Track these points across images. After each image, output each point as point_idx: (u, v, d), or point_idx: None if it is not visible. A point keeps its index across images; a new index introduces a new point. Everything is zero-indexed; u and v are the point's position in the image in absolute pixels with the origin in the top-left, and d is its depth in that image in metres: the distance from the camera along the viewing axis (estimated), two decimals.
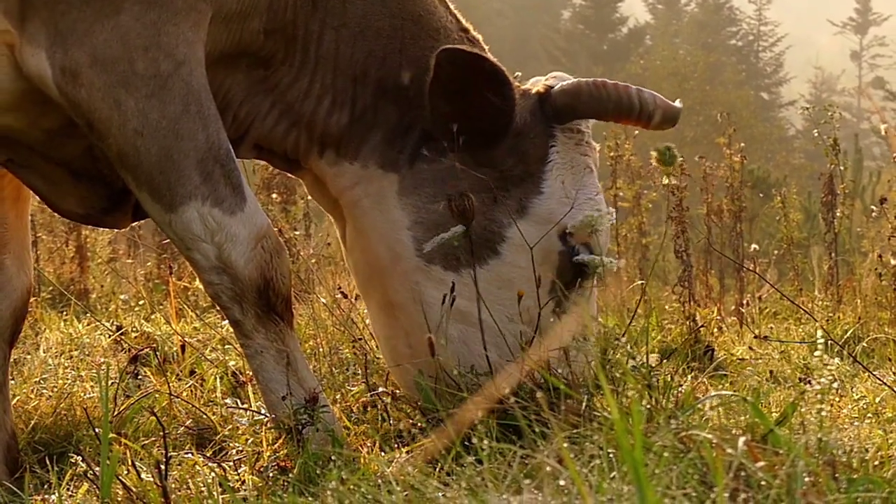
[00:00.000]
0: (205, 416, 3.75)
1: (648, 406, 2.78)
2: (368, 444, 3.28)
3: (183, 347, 4.52)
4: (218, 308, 3.70)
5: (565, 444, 2.29)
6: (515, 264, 3.32)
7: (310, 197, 8.44)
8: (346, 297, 4.53)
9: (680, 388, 3.06)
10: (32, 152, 3.31)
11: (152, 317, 6.04)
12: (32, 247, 3.85)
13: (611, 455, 2.29)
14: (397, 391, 3.55)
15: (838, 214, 7.42)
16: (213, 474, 3.05)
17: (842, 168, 7.40)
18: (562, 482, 2.13)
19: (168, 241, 7.23)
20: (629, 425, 1.88)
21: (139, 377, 4.23)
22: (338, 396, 3.66)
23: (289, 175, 3.96)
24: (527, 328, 3.27)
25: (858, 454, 2.55)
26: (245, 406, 3.65)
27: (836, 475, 2.27)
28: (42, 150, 3.29)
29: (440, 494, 2.30)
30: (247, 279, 3.08)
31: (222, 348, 4.65)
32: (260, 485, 2.98)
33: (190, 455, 3.28)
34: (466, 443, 2.61)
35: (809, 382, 3.29)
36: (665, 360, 3.75)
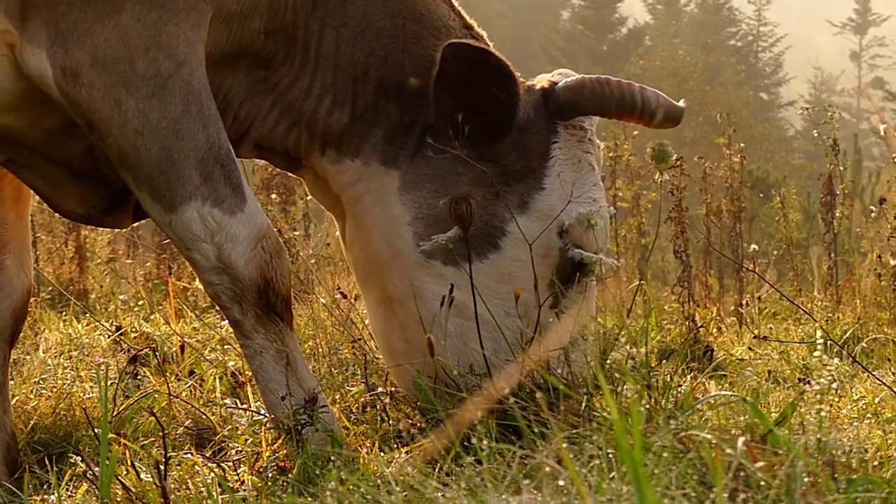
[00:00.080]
0: (204, 417, 3.75)
1: (648, 406, 2.78)
2: (368, 445, 3.28)
3: (182, 348, 4.53)
4: (217, 308, 3.70)
5: (564, 445, 2.30)
6: (515, 259, 3.32)
7: (309, 197, 8.42)
8: (345, 297, 4.53)
9: (679, 389, 3.06)
10: (33, 152, 3.31)
11: (151, 317, 6.04)
12: (31, 247, 3.84)
13: (610, 455, 2.29)
14: (396, 391, 3.55)
15: (838, 215, 7.43)
16: (212, 474, 3.05)
17: (841, 168, 7.40)
18: (561, 482, 2.13)
19: (167, 241, 7.23)
20: (628, 425, 1.89)
21: (138, 377, 4.23)
22: (337, 397, 3.66)
23: (289, 174, 3.97)
24: (524, 322, 3.28)
25: (858, 454, 2.55)
26: (244, 406, 3.65)
27: (836, 475, 2.27)
28: (42, 150, 3.30)
29: (439, 495, 2.30)
30: (247, 279, 3.08)
31: (221, 349, 4.65)
32: (259, 485, 2.98)
33: (189, 455, 3.28)
34: (466, 443, 2.62)
35: (809, 383, 3.30)
36: (664, 361, 3.76)
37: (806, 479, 2.15)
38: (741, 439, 2.20)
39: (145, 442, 3.56)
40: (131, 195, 3.23)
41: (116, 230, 7.49)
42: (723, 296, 8.55)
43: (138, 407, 3.74)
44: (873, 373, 4.18)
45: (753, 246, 8.60)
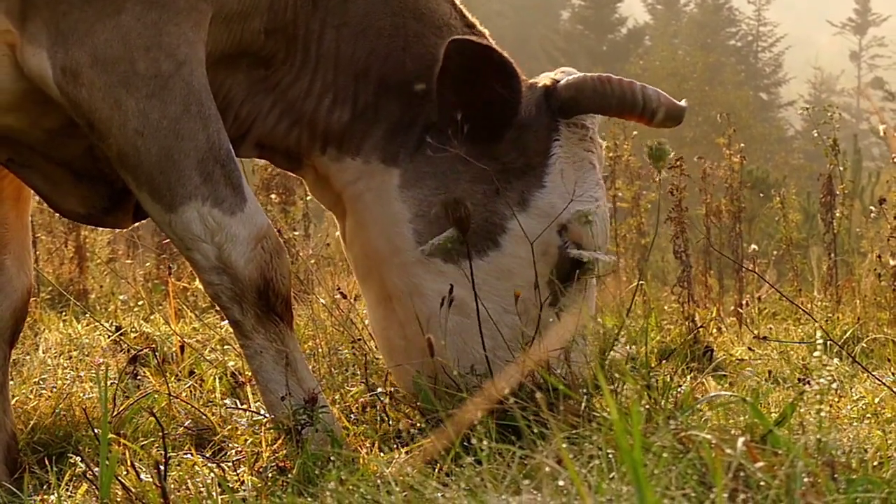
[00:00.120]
0: (204, 417, 3.74)
1: (647, 406, 2.78)
2: (367, 445, 3.28)
3: (182, 348, 4.53)
4: (217, 308, 3.70)
5: (564, 445, 2.30)
6: (515, 255, 3.33)
7: (309, 197, 8.42)
8: (345, 297, 4.53)
9: (679, 389, 3.06)
10: (33, 152, 3.31)
11: (151, 317, 6.04)
12: (31, 247, 3.85)
13: (610, 455, 2.29)
14: (396, 392, 3.55)
15: (837, 215, 7.42)
16: (212, 475, 3.05)
17: (841, 168, 7.40)
18: (561, 482, 2.13)
19: (167, 241, 7.23)
20: (628, 426, 1.89)
21: (138, 378, 4.23)
22: (337, 397, 3.66)
23: (289, 175, 3.97)
24: (523, 319, 3.28)
25: (857, 454, 2.55)
26: (244, 406, 3.65)
27: (835, 475, 2.27)
28: (43, 150, 3.30)
29: (439, 495, 2.30)
30: (247, 279, 3.08)
31: (221, 349, 4.65)
32: (259, 485, 2.98)
33: (189, 455, 3.28)
34: (465, 443, 2.62)
35: (808, 383, 3.29)
36: (664, 361, 3.76)
37: (806, 480, 2.15)
38: (741, 439, 2.20)
39: (145, 442, 3.56)
40: (132, 195, 3.23)
41: (116, 230, 7.50)
42: (723, 296, 8.55)
43: (138, 407, 3.74)
44: (873, 373, 4.17)
45: (753, 246, 8.60)
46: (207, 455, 3.38)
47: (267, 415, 3.24)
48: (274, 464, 3.05)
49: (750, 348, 5.45)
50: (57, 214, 3.66)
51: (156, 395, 3.89)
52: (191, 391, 4.12)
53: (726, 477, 2.11)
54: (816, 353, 3.79)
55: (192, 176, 3.04)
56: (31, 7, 3.00)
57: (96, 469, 2.93)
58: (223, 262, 3.07)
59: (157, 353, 4.54)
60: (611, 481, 2.18)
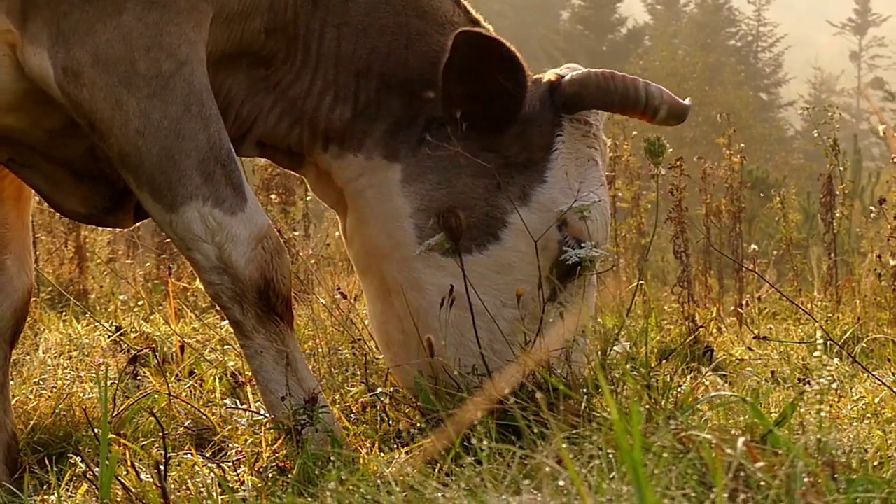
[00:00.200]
0: (204, 417, 3.75)
1: (647, 406, 2.78)
2: (368, 445, 3.28)
3: (182, 348, 4.53)
4: (218, 308, 3.70)
5: (564, 445, 2.29)
6: (515, 249, 3.33)
7: (310, 197, 8.40)
8: (345, 297, 4.53)
9: (679, 389, 3.06)
10: (34, 152, 3.31)
11: (151, 317, 6.05)
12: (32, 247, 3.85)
13: (610, 455, 2.29)
14: (396, 392, 3.55)
15: (837, 215, 7.42)
16: (212, 475, 3.05)
17: (841, 168, 7.40)
18: (561, 483, 2.13)
19: (167, 241, 7.23)
20: (628, 426, 1.89)
21: (138, 378, 4.23)
22: (337, 397, 3.66)
23: (289, 175, 3.98)
24: (522, 314, 3.29)
25: (857, 454, 2.55)
26: (244, 407, 3.65)
27: (836, 475, 2.27)
28: (44, 150, 3.30)
29: (439, 495, 2.30)
30: (247, 279, 3.08)
31: (221, 349, 4.65)
32: (259, 485, 2.98)
33: (189, 455, 3.28)
34: (465, 443, 2.62)
35: (809, 383, 3.29)
36: (664, 361, 3.76)
37: (806, 480, 2.15)
38: (741, 439, 2.20)
39: (145, 442, 3.56)
40: (133, 195, 3.23)
41: (117, 230, 7.50)
42: (723, 296, 8.55)
43: (138, 407, 3.74)
44: (873, 373, 4.17)
45: (753, 246, 8.61)
46: (207, 455, 3.38)
47: (267, 415, 3.24)
48: (274, 464, 3.05)
49: (750, 348, 5.45)
50: (57, 214, 3.67)
51: (156, 396, 3.89)
52: (191, 391, 4.12)
53: (726, 477, 2.11)
54: (816, 353, 3.79)
55: (193, 176, 3.04)
56: (32, 7, 3.00)
57: (96, 469, 2.93)
58: (224, 262, 3.07)
59: (157, 354, 4.54)
60: (611, 481, 2.18)
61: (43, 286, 6.92)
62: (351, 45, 3.36)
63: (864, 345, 5.49)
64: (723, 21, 57.83)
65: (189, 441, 3.63)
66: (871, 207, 8.89)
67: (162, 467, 2.75)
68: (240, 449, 3.29)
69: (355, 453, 3.10)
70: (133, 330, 5.38)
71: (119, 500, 2.84)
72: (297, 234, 8.06)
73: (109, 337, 5.06)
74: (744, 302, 7.10)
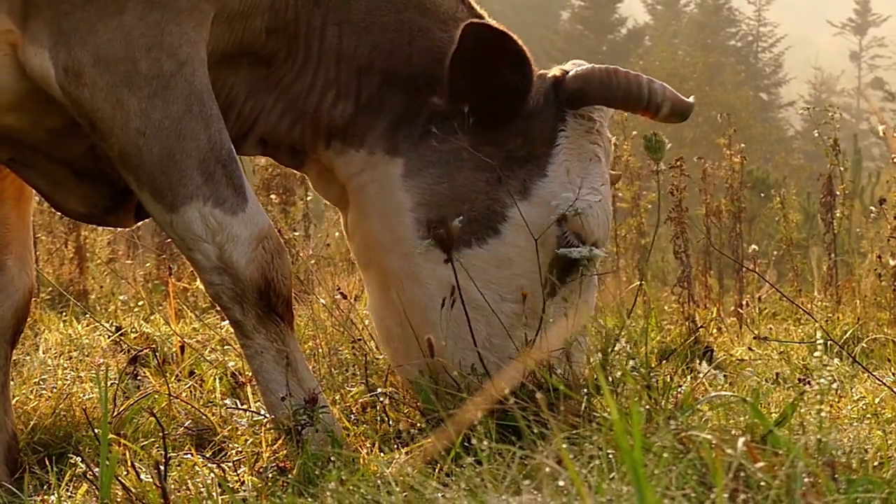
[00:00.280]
0: (204, 417, 3.75)
1: (648, 407, 2.78)
2: (368, 445, 3.28)
3: (182, 348, 4.53)
4: (218, 308, 3.70)
5: (564, 445, 2.29)
6: (515, 244, 3.33)
7: (310, 198, 8.38)
8: (345, 297, 4.53)
9: (679, 389, 3.06)
10: (35, 152, 3.31)
11: (151, 317, 6.05)
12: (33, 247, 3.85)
13: (610, 456, 2.29)
14: (396, 392, 3.55)
15: (837, 215, 7.42)
16: (212, 475, 3.05)
17: (841, 169, 7.40)
18: (561, 483, 2.13)
19: (167, 241, 7.22)
20: (628, 426, 1.89)
21: (138, 378, 4.23)
22: (337, 397, 3.66)
23: (289, 175, 3.98)
24: (521, 309, 3.29)
25: (858, 455, 2.55)
26: (244, 407, 3.65)
27: (836, 476, 2.27)
28: (45, 150, 3.30)
29: (439, 495, 2.30)
30: (248, 280, 3.08)
31: (221, 349, 4.65)
32: (259, 485, 2.98)
33: (189, 456, 3.28)
34: (466, 443, 2.62)
35: (809, 383, 3.29)
36: (664, 361, 3.76)
37: (806, 480, 2.15)
38: (741, 440, 2.20)
39: (145, 442, 3.56)
40: (134, 194, 3.23)
41: (117, 230, 7.50)
42: (723, 296, 8.54)
43: (138, 407, 3.74)
44: (873, 373, 4.17)
45: (753, 246, 8.60)
46: (207, 455, 3.38)
47: (267, 415, 3.24)
48: (274, 464, 3.05)
49: (750, 348, 5.45)
50: (57, 214, 3.67)
51: (156, 396, 3.89)
52: (191, 391, 4.12)
53: (726, 477, 2.11)
54: (817, 354, 3.79)
55: (194, 176, 3.04)
56: (33, 7, 3.00)
57: (96, 469, 2.93)
58: (224, 263, 3.07)
59: (157, 354, 4.54)
60: (611, 481, 2.18)
61: (43, 286, 6.92)
62: (352, 42, 3.36)
63: (865, 345, 5.49)
64: (723, 21, 57.85)
65: (189, 441, 3.63)
66: (872, 207, 8.89)
67: (162, 467, 2.75)
68: (240, 449, 3.29)
69: (355, 453, 3.10)
70: (133, 330, 5.39)
71: (119, 500, 2.84)
72: (297, 234, 8.06)
73: (109, 337, 5.06)
74: (744, 302, 7.11)
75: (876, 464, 2.64)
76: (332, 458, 2.88)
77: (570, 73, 3.38)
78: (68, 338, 5.13)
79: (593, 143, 3.41)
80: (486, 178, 3.32)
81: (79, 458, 3.13)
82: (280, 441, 3.12)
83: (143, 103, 3.01)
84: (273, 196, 8.57)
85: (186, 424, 3.74)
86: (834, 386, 3.64)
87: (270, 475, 3.02)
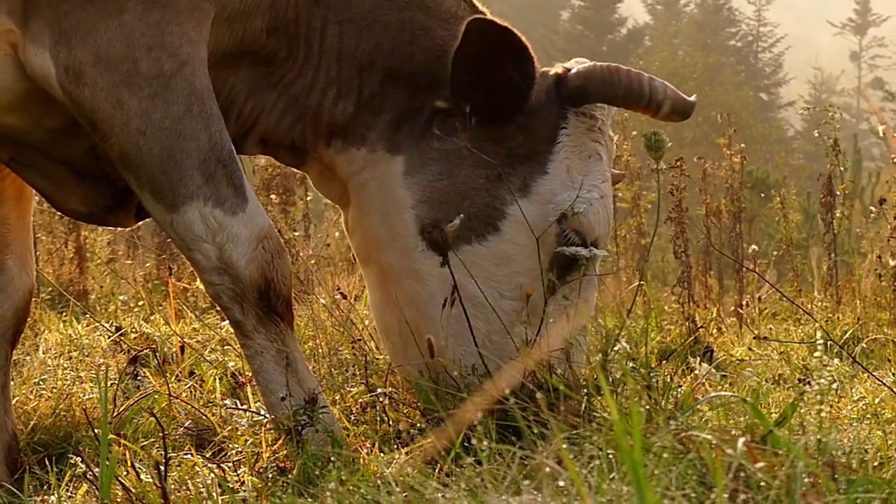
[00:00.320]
0: (204, 417, 3.75)
1: (648, 407, 2.78)
2: (368, 445, 3.28)
3: (182, 348, 4.53)
4: (218, 308, 3.70)
5: (564, 445, 2.29)
6: (514, 242, 3.33)
7: (310, 198, 8.38)
8: (345, 297, 4.53)
9: (679, 389, 3.06)
10: (36, 151, 3.31)
11: (151, 318, 6.05)
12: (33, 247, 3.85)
13: (610, 456, 2.29)
14: (396, 392, 3.55)
15: (837, 215, 7.42)
16: (212, 475, 3.05)
17: (841, 169, 7.40)
18: (561, 483, 2.13)
19: (167, 241, 7.22)
20: (628, 426, 1.89)
21: (138, 378, 4.23)
22: (337, 397, 3.66)
23: (290, 175, 3.98)
24: (521, 307, 3.29)
25: (858, 455, 2.55)
26: (244, 407, 3.65)
27: (836, 476, 2.27)
28: (45, 150, 3.30)
29: (439, 495, 2.30)
30: (248, 280, 3.08)
31: (221, 349, 4.65)
32: (259, 486, 2.98)
33: (189, 456, 3.28)
34: (466, 443, 2.62)
35: (809, 383, 3.29)
36: (664, 361, 3.76)
37: (806, 480, 2.15)
38: (741, 440, 2.20)
39: (145, 443, 3.56)
40: (134, 194, 3.24)
41: (117, 230, 7.50)
42: (723, 296, 8.55)
43: (138, 408, 3.74)
44: (873, 373, 4.18)
45: (753, 246, 8.60)
46: (207, 455, 3.38)
47: (267, 415, 3.24)
48: (274, 464, 3.05)
49: (750, 349, 5.45)
50: (58, 214, 3.67)
51: (156, 396, 3.89)
52: (191, 392, 4.12)
53: (726, 477, 2.11)
54: (817, 354, 3.78)
55: (194, 176, 3.04)
56: (34, 7, 3.00)
57: (96, 469, 2.93)
58: (224, 263, 3.08)
59: (157, 354, 4.54)
60: (611, 482, 2.18)
61: (43, 286, 6.92)
62: (353, 41, 3.36)
63: (865, 345, 5.49)
64: (723, 21, 57.84)
65: (189, 441, 3.63)
66: (872, 208, 8.88)
67: (162, 468, 2.75)
68: (240, 449, 3.29)
69: (355, 454, 3.10)
70: (133, 330, 5.39)
71: (119, 500, 2.84)
72: (297, 234, 8.06)
73: (109, 337, 5.06)
74: (744, 302, 7.11)
75: (876, 464, 2.64)
76: (332, 459, 2.88)
77: (572, 71, 3.38)
78: (68, 338, 5.13)
79: (595, 141, 3.41)
80: (486, 175, 3.33)
81: (79, 459, 3.13)
82: (280, 441, 3.12)
83: (144, 103, 3.01)
84: (273, 196, 8.57)
85: (186, 424, 3.74)
86: (834, 386, 3.64)
87: (270, 475, 3.02)
